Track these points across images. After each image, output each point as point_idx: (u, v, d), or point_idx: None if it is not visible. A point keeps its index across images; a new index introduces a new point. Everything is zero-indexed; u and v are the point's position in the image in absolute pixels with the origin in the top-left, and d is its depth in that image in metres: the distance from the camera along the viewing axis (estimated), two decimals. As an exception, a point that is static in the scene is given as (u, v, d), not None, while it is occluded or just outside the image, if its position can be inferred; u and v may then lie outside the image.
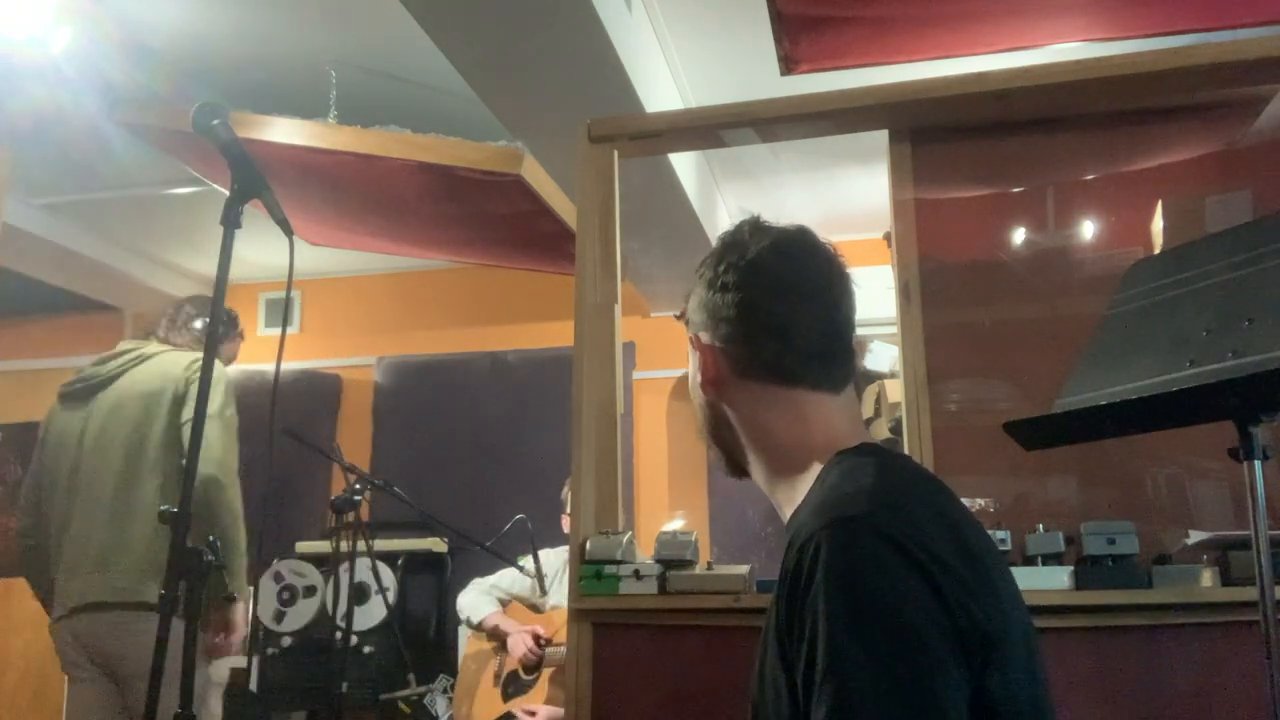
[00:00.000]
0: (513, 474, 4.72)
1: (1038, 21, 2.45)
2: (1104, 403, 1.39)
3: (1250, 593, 1.37)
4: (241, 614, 2.69)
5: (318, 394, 5.25)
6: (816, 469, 1.02)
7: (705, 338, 1.11)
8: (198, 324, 2.93)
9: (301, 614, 4.04)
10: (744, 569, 1.76)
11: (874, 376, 3.46)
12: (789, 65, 2.50)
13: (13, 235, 4.15)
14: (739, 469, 1.14)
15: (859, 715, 0.79)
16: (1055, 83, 1.92)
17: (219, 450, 2.64)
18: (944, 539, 0.88)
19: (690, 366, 1.15)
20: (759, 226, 1.13)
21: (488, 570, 3.73)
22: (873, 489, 0.91)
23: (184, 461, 2.50)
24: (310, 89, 3.31)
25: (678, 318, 1.17)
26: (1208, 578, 1.64)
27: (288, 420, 3.26)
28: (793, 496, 1.03)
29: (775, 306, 1.07)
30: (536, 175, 3.13)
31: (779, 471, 1.07)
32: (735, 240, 1.12)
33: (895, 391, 2.87)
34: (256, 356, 5.20)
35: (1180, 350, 1.38)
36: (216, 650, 2.69)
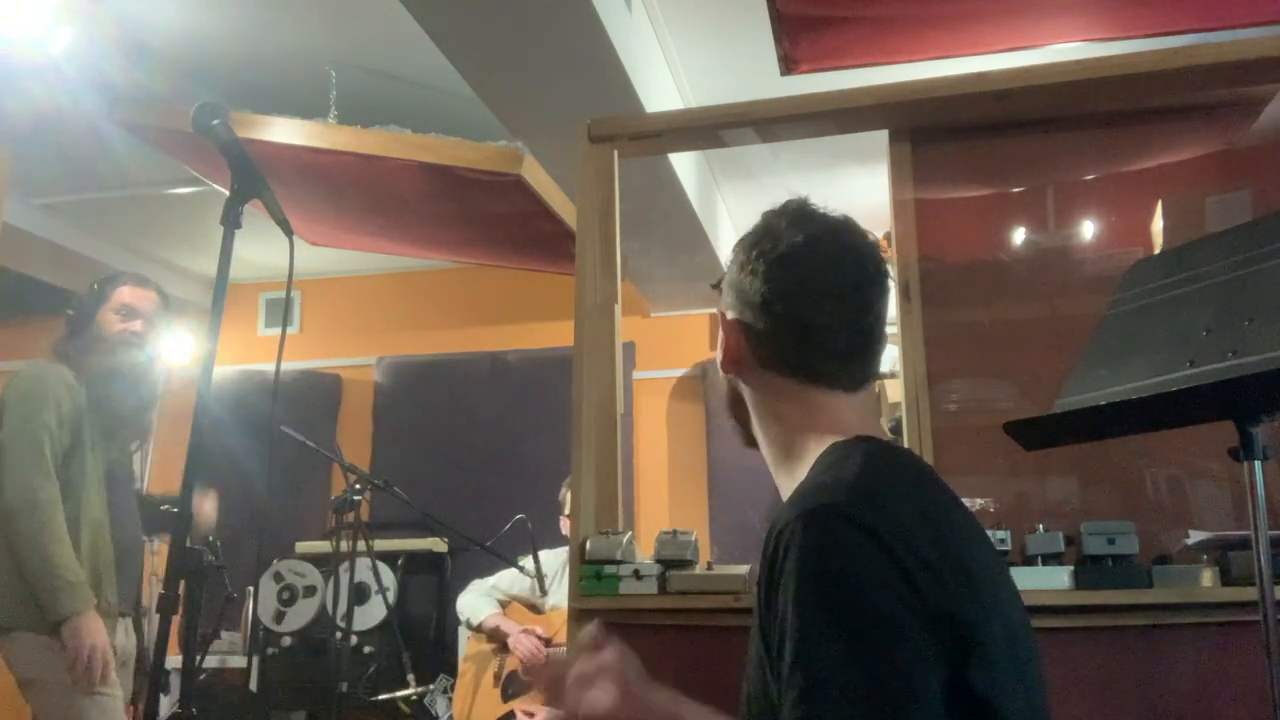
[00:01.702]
0: (513, 474, 4.71)
1: (1038, 21, 2.45)
2: (1104, 403, 1.39)
3: (1250, 593, 1.37)
4: (81, 636, 2.31)
5: (318, 394, 5.25)
6: (813, 457, 1.03)
7: (731, 315, 1.10)
8: (70, 312, 2.66)
9: (301, 614, 4.04)
10: (744, 569, 1.76)
11: (874, 376, 3.46)
12: (789, 65, 2.50)
13: (13, 235, 4.15)
14: (753, 441, 1.14)
15: (828, 695, 0.79)
16: (1055, 83, 1.92)
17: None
18: (920, 531, 0.88)
19: (718, 339, 1.14)
20: (800, 215, 1.09)
21: (488, 570, 3.73)
22: (852, 479, 0.92)
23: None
24: (310, 89, 3.31)
25: (713, 286, 1.16)
26: (1208, 578, 1.63)
27: (288, 420, 3.26)
28: (792, 484, 1.03)
29: (801, 304, 1.05)
30: (536, 175, 3.14)
31: (783, 457, 1.08)
32: (771, 226, 1.09)
33: (895, 391, 2.87)
34: (256, 356, 5.21)
35: (1180, 350, 1.38)
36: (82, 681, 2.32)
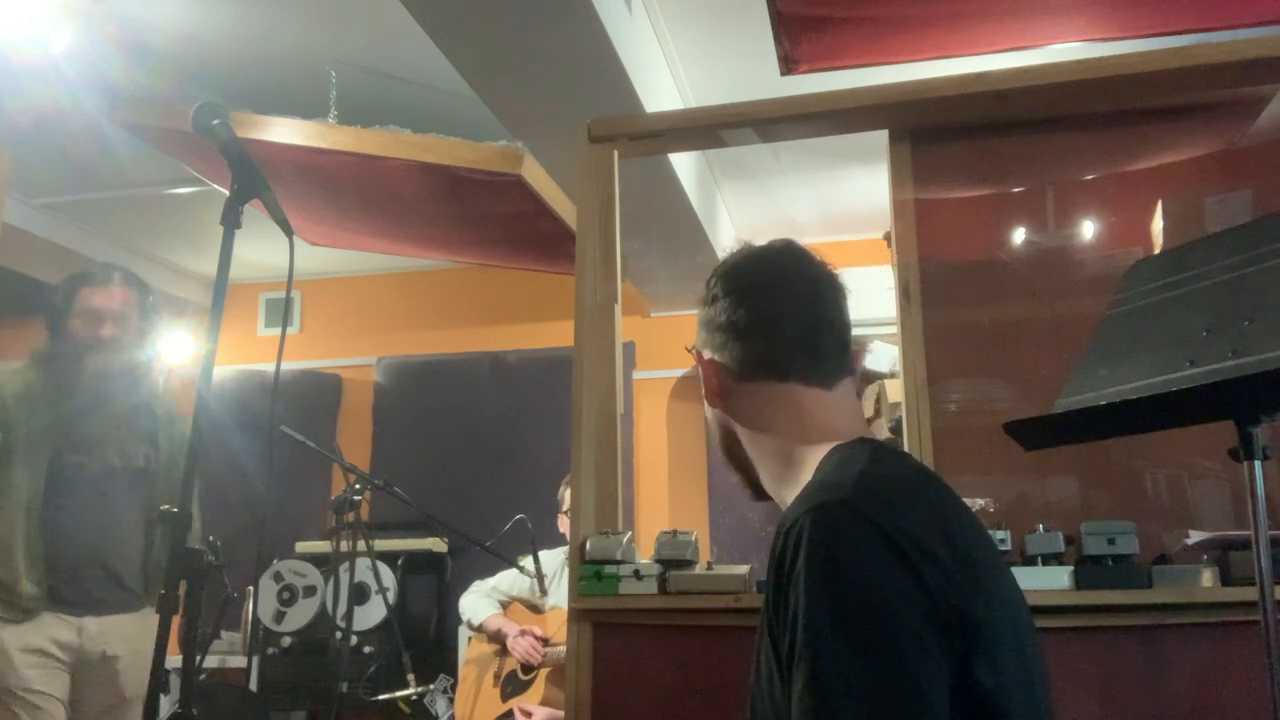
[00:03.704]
0: (513, 474, 4.71)
1: (1038, 21, 2.45)
2: (1104, 403, 1.39)
3: (1250, 593, 1.37)
4: None
5: (318, 394, 5.25)
6: (815, 463, 1.03)
7: (706, 353, 1.14)
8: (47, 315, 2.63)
9: (301, 614, 4.04)
10: (744, 569, 1.76)
11: (874, 376, 3.46)
12: (789, 65, 2.50)
13: (13, 235, 4.15)
14: (759, 489, 1.16)
15: (832, 690, 0.80)
16: (1055, 83, 1.92)
17: None
18: (927, 527, 0.88)
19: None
20: (747, 244, 1.18)
21: (487, 570, 3.73)
22: (859, 477, 0.93)
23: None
24: (310, 89, 3.31)
25: (689, 350, 1.21)
26: (1208, 578, 1.64)
27: (288, 420, 3.26)
28: (796, 492, 1.03)
29: (757, 302, 1.10)
30: (536, 175, 3.13)
31: (783, 469, 1.09)
32: (722, 260, 1.18)
33: (895, 391, 2.87)
34: (256, 356, 5.22)
35: (1180, 350, 1.38)
36: None
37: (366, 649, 3.96)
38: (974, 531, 0.96)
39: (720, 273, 1.15)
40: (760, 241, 1.18)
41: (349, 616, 3.15)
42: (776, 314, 1.10)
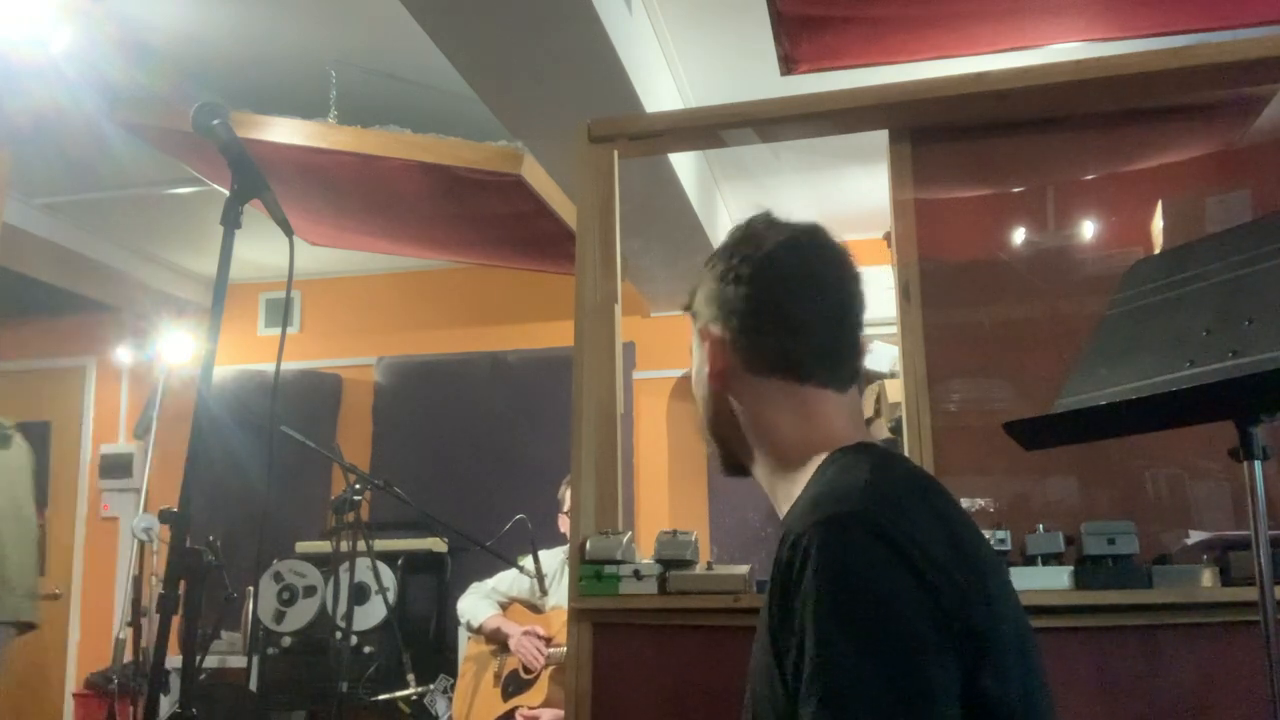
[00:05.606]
0: (513, 474, 4.71)
1: (1037, 21, 2.45)
2: (1104, 403, 1.39)
3: (1250, 593, 1.37)
4: None
5: (318, 394, 5.25)
6: (814, 465, 1.02)
7: (715, 329, 1.09)
8: None
9: (301, 614, 4.04)
10: (744, 569, 1.76)
11: (874, 376, 3.45)
12: (789, 65, 2.50)
13: (13, 235, 4.15)
14: (736, 466, 1.13)
15: (848, 705, 0.79)
16: (1055, 83, 1.92)
17: None
18: (936, 537, 0.88)
19: (695, 359, 1.13)
20: (773, 222, 1.11)
21: (488, 571, 3.73)
22: (866, 485, 0.91)
23: None
24: (310, 89, 3.31)
25: (685, 309, 1.16)
26: (1208, 578, 1.64)
27: (288, 420, 3.26)
28: (791, 492, 1.03)
29: (789, 302, 1.05)
30: (536, 175, 3.14)
31: (780, 467, 1.07)
32: (749, 234, 1.10)
33: (895, 391, 2.86)
34: (256, 356, 5.22)
35: (1180, 350, 1.38)
36: None
37: (366, 649, 3.96)
38: (975, 537, 0.96)
39: (746, 254, 1.07)
40: (782, 218, 1.11)
41: (349, 616, 3.15)
42: (806, 319, 1.05)
